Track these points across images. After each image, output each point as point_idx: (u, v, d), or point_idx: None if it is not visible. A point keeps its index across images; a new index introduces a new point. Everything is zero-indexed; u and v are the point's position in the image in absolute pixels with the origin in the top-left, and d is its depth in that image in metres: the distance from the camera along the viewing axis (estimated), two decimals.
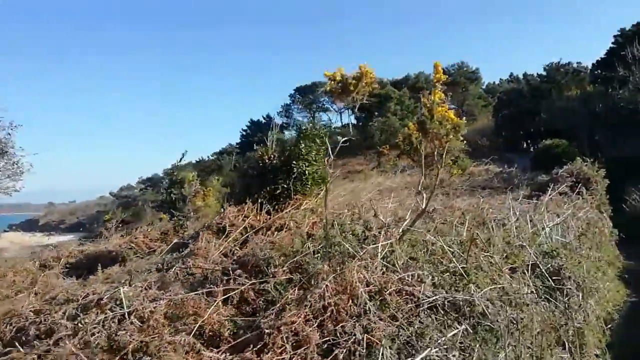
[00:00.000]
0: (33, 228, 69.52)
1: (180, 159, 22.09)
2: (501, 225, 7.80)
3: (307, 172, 9.09)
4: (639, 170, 18.28)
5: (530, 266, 6.17)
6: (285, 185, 8.93)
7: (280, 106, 53.94)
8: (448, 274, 5.38)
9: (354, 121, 48.75)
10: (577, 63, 45.51)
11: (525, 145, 39.20)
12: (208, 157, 56.39)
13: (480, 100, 47.47)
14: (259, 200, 8.80)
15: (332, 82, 6.90)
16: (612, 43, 36.64)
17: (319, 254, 5.71)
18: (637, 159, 19.73)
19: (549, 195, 11.19)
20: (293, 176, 8.99)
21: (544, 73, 45.18)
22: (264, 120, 52.40)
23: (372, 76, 6.94)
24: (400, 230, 6.31)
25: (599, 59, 39.19)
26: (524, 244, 6.62)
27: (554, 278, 6.10)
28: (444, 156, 6.37)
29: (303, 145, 9.15)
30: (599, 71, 38.10)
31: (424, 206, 6.55)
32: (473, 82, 47.00)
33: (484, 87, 50.62)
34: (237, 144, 54.28)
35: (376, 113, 40.58)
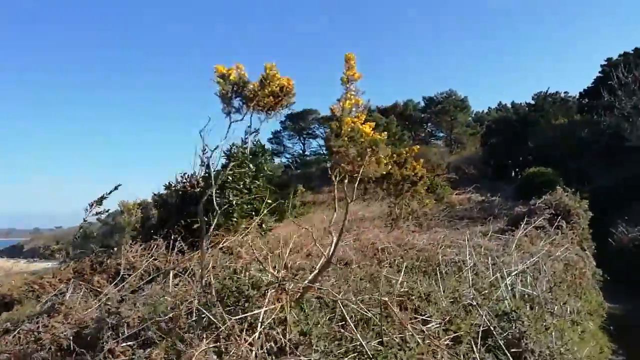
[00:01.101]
0: (18, 254, 67.14)
1: (111, 192, 20.06)
2: (453, 273, 6.15)
3: (233, 202, 7.47)
4: (626, 199, 16.65)
5: (481, 334, 4.49)
6: (206, 218, 7.28)
7: (271, 132, 52.62)
8: (351, 356, 3.70)
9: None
10: (564, 92, 44.60)
11: (513, 173, 37.80)
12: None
13: (469, 128, 46.14)
14: (173, 236, 7.17)
15: (224, 83, 5.09)
16: (599, 72, 35.72)
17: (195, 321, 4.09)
18: (624, 187, 18.14)
19: (523, 229, 9.56)
20: (218, 207, 7.35)
21: (532, 102, 44.13)
22: (253, 147, 50.88)
23: (279, 81, 5.22)
24: (301, 286, 4.62)
25: (586, 88, 38.19)
26: (475, 303, 4.93)
27: (512, 351, 4.41)
28: (355, 185, 4.67)
29: (231, 171, 7.54)
30: (586, 100, 37.04)
31: (331, 251, 4.85)
32: (462, 110, 45.75)
33: (472, 115, 49.35)
34: None
35: None
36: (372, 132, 4.51)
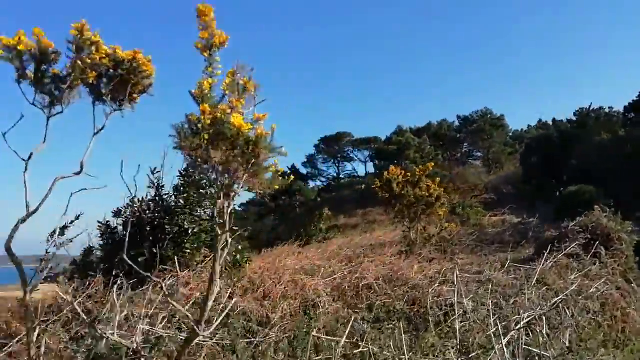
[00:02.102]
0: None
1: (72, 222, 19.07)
2: (439, 321, 4.61)
3: (189, 231, 6.16)
4: None
5: None
6: (155, 250, 5.99)
7: (305, 156, 51.65)
8: None
9: (373, 170, 45.82)
10: (609, 108, 41.52)
11: (554, 193, 35.17)
12: (235, 207, 54.35)
13: (507, 147, 43.66)
14: (114, 272, 5.90)
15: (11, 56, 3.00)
16: None
17: None
18: None
19: (553, 258, 7.83)
20: (168, 237, 6.05)
21: (574, 118, 41.46)
22: (288, 171, 50.07)
23: (103, 49, 3.35)
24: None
25: (631, 102, 35.27)
26: None
27: None
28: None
29: (185, 194, 6.25)
30: (632, 114, 34.14)
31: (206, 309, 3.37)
32: (498, 128, 43.39)
33: (510, 134, 46.83)
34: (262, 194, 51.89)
35: (395, 161, 37.50)
36: (253, 124, 2.93)
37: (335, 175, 52.19)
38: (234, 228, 6.89)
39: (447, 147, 44.96)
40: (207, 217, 6.39)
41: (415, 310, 5.13)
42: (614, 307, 6.47)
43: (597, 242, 8.33)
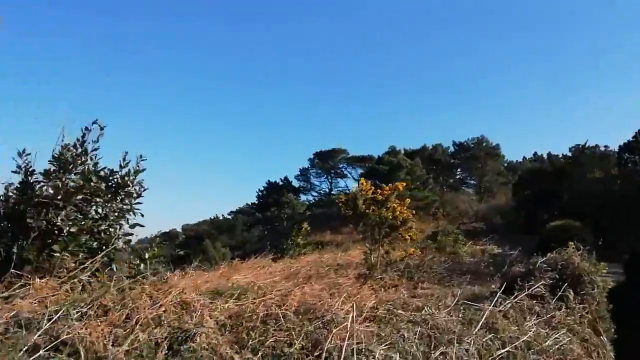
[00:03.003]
0: None
1: None
2: None
3: (63, 230, 4.96)
4: None
5: None
6: (15, 250, 4.79)
7: (298, 169, 50.61)
8: None
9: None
10: (604, 146, 40.37)
11: (544, 227, 33.99)
12: (223, 215, 53.23)
13: (500, 177, 42.54)
14: None
15: None
16: None
17: None
18: None
19: (513, 298, 6.62)
20: (33, 234, 4.86)
21: (569, 154, 40.51)
22: (280, 182, 49.03)
23: None
24: None
25: (626, 142, 34.20)
26: None
27: None
28: None
29: (60, 182, 5.03)
30: (626, 154, 33.06)
31: None
32: (493, 157, 42.31)
33: (505, 164, 45.74)
34: (253, 203, 50.83)
35: (386, 182, 36.36)
36: None
37: (327, 190, 51.06)
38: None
39: (441, 172, 43.87)
40: (98, 216, 5.21)
41: (314, 355, 3.93)
42: None
43: (566, 284, 7.10)
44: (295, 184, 49.87)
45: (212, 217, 52.71)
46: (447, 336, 4.83)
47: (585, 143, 38.98)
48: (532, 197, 35.94)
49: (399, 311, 5.29)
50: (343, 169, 49.85)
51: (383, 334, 4.57)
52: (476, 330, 5.04)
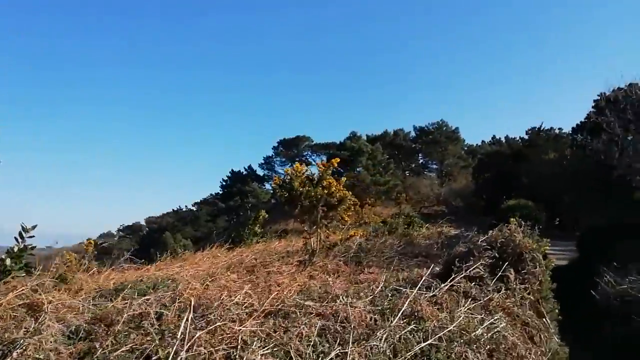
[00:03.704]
0: None
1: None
2: None
3: None
4: (616, 239, 12.75)
5: None
6: None
7: (262, 158, 49.39)
8: None
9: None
10: (558, 129, 40.63)
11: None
12: (186, 206, 51.71)
13: (461, 160, 42.38)
14: None
15: None
16: (592, 107, 32.18)
17: None
18: (615, 226, 14.24)
19: (449, 281, 5.90)
20: None
21: (526, 137, 40.59)
22: (244, 172, 47.79)
23: None
24: None
25: (579, 123, 34.34)
26: None
27: None
28: None
29: None
30: (578, 135, 33.21)
31: None
32: (453, 141, 42.08)
33: (465, 148, 45.61)
34: (217, 194, 49.48)
35: (348, 167, 35.64)
36: None
37: None
38: None
39: (403, 157, 43.43)
40: None
41: None
42: (508, 355, 4.52)
43: (507, 263, 6.43)
44: (260, 172, 48.72)
45: (175, 209, 51.12)
46: (360, 330, 4.02)
47: (541, 125, 39.14)
48: (491, 180, 35.99)
49: (308, 302, 4.45)
50: (307, 157, 48.93)
51: (276, 332, 3.72)
52: (394, 321, 4.25)
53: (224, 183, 47.69)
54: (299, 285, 6.48)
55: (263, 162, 49.20)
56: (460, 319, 4.71)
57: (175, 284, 6.22)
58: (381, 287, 5.48)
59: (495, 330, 4.77)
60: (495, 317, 5.03)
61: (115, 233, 54.92)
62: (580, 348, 7.66)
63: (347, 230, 11.31)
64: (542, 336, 5.77)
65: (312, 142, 48.23)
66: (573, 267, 13.76)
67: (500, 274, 6.28)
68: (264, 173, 49.26)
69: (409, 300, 4.65)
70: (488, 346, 4.44)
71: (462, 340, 4.33)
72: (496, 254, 6.57)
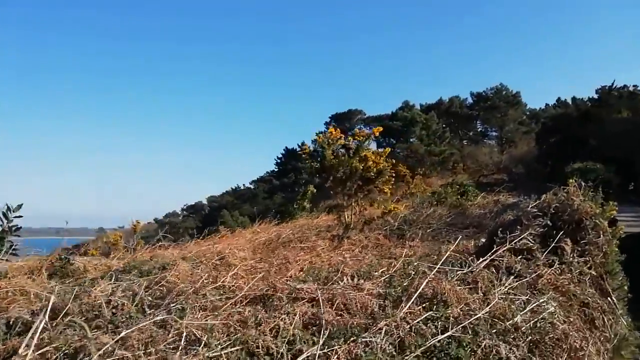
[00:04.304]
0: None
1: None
2: None
3: None
4: None
5: None
6: None
7: (315, 133, 48.59)
8: None
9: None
10: (633, 86, 36.61)
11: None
12: (244, 185, 52.27)
13: (522, 126, 39.54)
14: None
15: None
16: None
17: None
18: None
19: (488, 255, 4.89)
20: None
21: (596, 97, 36.96)
22: (298, 149, 47.40)
23: None
24: None
25: None
26: None
27: None
28: None
29: None
30: None
31: None
32: (513, 106, 39.22)
33: (527, 112, 42.47)
34: (272, 172, 49.54)
35: (401, 139, 34.21)
36: None
37: None
38: None
39: (460, 125, 41.13)
40: None
41: None
42: (556, 348, 3.50)
43: (562, 232, 5.29)
44: (312, 147, 48.11)
45: (234, 188, 51.83)
46: (358, 320, 3.18)
47: (613, 83, 35.47)
48: (556, 144, 33.28)
49: (301, 286, 3.64)
50: (360, 128, 47.74)
51: (248, 324, 2.96)
52: (405, 308, 3.36)
53: (279, 160, 47.57)
54: (316, 263, 5.72)
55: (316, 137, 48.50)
56: (495, 301, 3.74)
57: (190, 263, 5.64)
58: (401, 264, 4.55)
59: (542, 315, 3.75)
60: (543, 299, 3.99)
61: (179, 212, 56.67)
62: None
63: (387, 202, 10.33)
64: (605, 319, 4.65)
65: (365, 115, 46.93)
66: None
67: (553, 245, 5.17)
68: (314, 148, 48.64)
69: (427, 280, 3.72)
70: (530, 337, 3.45)
71: (493, 331, 3.37)
72: (548, 222, 5.43)
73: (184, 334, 2.65)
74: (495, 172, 34.89)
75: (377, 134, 9.29)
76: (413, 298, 3.49)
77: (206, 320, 2.86)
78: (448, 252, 4.68)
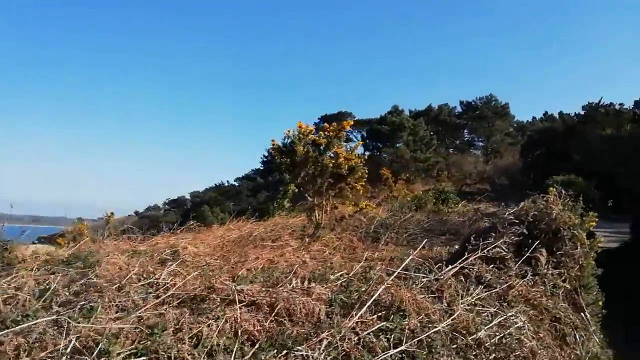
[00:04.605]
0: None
1: None
2: None
3: None
4: None
5: None
6: None
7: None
8: None
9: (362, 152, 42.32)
10: (619, 104, 36.75)
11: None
12: (228, 181, 51.67)
13: (508, 137, 39.54)
14: None
15: None
16: None
17: None
18: None
19: (458, 263, 4.52)
20: None
21: (583, 113, 37.08)
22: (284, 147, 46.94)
23: None
24: None
25: None
26: None
27: None
28: None
29: None
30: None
31: None
32: (501, 117, 39.20)
33: (514, 124, 42.51)
34: (257, 170, 49.00)
35: (388, 143, 33.95)
36: None
37: None
38: None
39: (447, 133, 41.00)
40: None
41: None
42: None
43: (538, 242, 4.95)
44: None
45: (217, 184, 51.16)
46: (299, 330, 2.77)
47: (600, 100, 35.63)
48: (541, 157, 33.30)
49: (240, 287, 3.21)
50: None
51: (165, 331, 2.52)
52: (356, 317, 2.95)
53: (264, 159, 47.01)
54: (278, 262, 5.29)
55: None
56: (459, 313, 3.35)
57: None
58: (360, 267, 4.15)
59: (509, 331, 3.38)
60: (512, 312, 3.62)
61: (161, 206, 55.72)
62: (630, 349, 6.10)
63: (359, 200, 9.94)
64: (577, 335, 4.30)
65: (354, 118, 46.61)
66: (625, 250, 11.86)
67: (527, 254, 4.81)
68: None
69: (384, 286, 3.32)
70: (493, 355, 3.07)
71: (454, 346, 2.99)
72: (525, 230, 5.07)
73: (82, 338, 2.21)
74: (478, 181, 34.81)
75: (348, 127, 8.84)
76: (366, 306, 3.09)
77: (115, 323, 2.42)
78: (410, 257, 4.26)
